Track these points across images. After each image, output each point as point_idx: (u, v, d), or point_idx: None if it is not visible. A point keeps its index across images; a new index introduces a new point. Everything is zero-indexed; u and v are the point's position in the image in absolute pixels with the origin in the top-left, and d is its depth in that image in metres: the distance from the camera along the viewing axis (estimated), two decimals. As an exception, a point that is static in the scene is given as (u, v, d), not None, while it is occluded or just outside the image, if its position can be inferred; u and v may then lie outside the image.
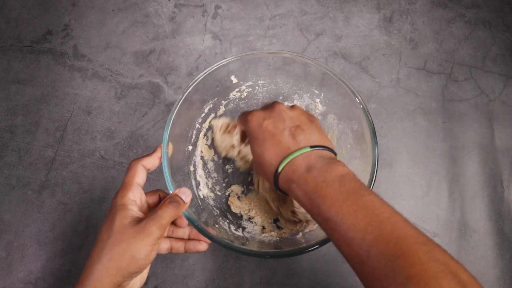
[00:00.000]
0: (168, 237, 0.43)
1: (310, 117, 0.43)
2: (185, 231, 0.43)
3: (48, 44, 0.66)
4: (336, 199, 0.32)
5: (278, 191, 0.40)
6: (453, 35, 0.67)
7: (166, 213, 0.36)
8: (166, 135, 0.42)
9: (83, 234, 0.57)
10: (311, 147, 0.38)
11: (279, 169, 0.38)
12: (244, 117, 0.44)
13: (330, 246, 0.56)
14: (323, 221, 0.33)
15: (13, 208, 0.58)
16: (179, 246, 0.42)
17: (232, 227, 0.51)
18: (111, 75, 0.65)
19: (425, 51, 0.66)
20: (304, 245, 0.41)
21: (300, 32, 0.67)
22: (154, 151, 0.41)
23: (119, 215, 0.35)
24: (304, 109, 0.46)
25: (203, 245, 0.42)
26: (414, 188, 0.59)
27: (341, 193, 0.32)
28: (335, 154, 0.39)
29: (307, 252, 0.40)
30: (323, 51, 0.66)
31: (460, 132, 0.61)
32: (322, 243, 0.40)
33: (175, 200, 0.37)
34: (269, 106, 0.43)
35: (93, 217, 0.57)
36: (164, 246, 0.41)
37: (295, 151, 0.37)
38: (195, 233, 0.43)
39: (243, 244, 0.43)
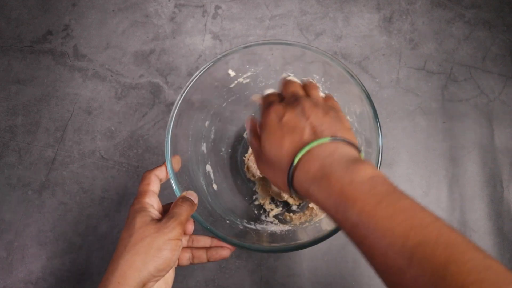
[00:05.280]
0: (189, 247, 0.42)
1: (338, 111, 0.37)
2: (206, 240, 0.42)
3: (49, 44, 0.67)
4: (367, 202, 0.27)
5: (294, 195, 0.35)
6: (453, 35, 0.67)
7: (182, 210, 0.36)
8: (168, 147, 0.42)
9: (83, 234, 0.57)
10: (332, 138, 0.32)
11: (295, 162, 0.32)
12: (261, 111, 0.39)
13: (330, 247, 0.56)
14: (352, 228, 0.28)
15: (13, 208, 0.58)
16: (201, 254, 0.41)
17: (244, 220, 0.51)
18: (111, 75, 0.65)
19: (425, 51, 0.66)
20: (316, 236, 0.41)
21: (300, 32, 0.67)
22: (164, 162, 0.41)
23: (139, 215, 0.35)
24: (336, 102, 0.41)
25: (226, 251, 0.41)
26: (414, 188, 0.59)
27: (373, 196, 0.27)
28: (360, 151, 0.34)
29: (321, 242, 0.39)
30: (322, 51, 0.66)
31: (460, 132, 0.61)
32: (333, 232, 0.40)
33: (187, 199, 0.38)
34: (293, 99, 0.37)
35: (93, 217, 0.57)
36: (186, 255, 0.41)
37: (313, 141, 0.32)
38: (217, 241, 0.42)
39: (252, 237, 0.44)
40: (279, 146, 0.34)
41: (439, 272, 0.23)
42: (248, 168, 0.57)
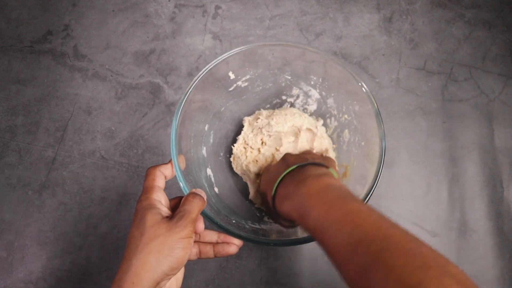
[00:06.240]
0: (196, 242, 0.42)
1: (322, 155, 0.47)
2: (213, 235, 0.42)
3: (49, 44, 0.67)
4: (321, 208, 0.33)
5: (281, 222, 0.42)
6: (453, 35, 0.67)
7: (193, 207, 0.36)
8: (173, 144, 0.42)
9: (84, 234, 0.57)
10: (300, 165, 0.40)
11: (273, 193, 0.40)
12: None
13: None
14: (313, 231, 0.34)
15: (13, 208, 0.58)
16: (208, 250, 0.41)
17: (249, 221, 0.51)
18: (111, 75, 0.65)
19: (425, 51, 0.66)
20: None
21: (300, 32, 0.67)
22: (170, 160, 0.41)
23: (149, 212, 0.35)
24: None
25: (232, 248, 0.41)
26: (414, 188, 0.59)
27: (325, 202, 0.33)
28: (328, 168, 0.41)
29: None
30: (323, 51, 0.66)
31: (460, 132, 0.61)
32: None
33: (197, 194, 0.38)
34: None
35: (93, 217, 0.57)
36: (193, 250, 0.41)
37: (284, 171, 0.40)
38: (223, 236, 0.42)
39: (262, 235, 0.44)
40: (265, 188, 0.44)
41: (375, 259, 0.27)
42: (234, 158, 0.56)
